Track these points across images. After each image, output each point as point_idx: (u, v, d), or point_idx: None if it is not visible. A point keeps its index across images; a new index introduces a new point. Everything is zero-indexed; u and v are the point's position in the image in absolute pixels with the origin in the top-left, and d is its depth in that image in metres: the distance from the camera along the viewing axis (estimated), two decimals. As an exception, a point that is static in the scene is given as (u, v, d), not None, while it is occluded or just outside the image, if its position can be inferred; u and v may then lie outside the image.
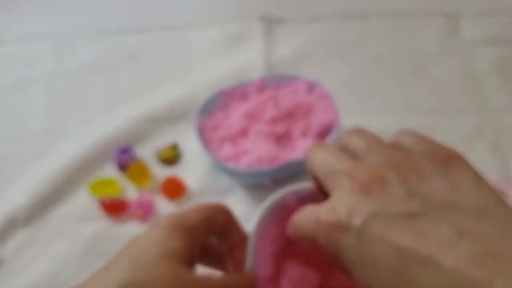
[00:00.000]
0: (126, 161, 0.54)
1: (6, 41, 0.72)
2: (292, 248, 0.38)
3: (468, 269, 0.19)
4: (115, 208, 0.51)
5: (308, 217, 0.26)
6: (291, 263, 0.37)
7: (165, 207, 0.51)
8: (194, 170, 0.54)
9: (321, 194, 0.29)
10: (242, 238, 0.33)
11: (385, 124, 0.57)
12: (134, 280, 0.24)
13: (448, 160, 0.24)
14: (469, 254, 0.20)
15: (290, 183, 0.50)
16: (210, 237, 0.31)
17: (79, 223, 0.51)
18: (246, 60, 0.65)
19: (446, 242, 0.20)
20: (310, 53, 0.66)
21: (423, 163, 0.24)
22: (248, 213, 0.50)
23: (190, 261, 0.28)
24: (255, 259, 0.36)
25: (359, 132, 0.27)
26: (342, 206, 0.23)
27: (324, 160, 0.26)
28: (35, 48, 0.70)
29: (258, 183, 0.51)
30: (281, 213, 0.40)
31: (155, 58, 0.67)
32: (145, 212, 0.51)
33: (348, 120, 0.55)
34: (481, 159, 0.53)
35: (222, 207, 0.32)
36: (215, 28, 0.70)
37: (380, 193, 0.23)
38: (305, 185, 0.40)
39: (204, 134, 0.52)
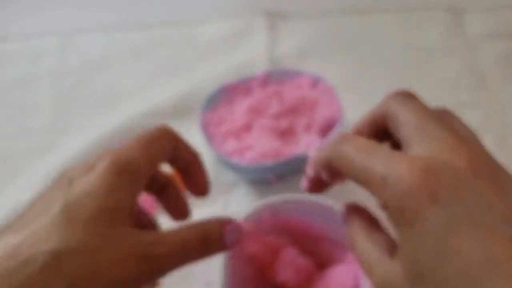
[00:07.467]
0: (130, 157, 0.54)
1: (11, 37, 0.73)
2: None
3: None
4: (119, 203, 0.51)
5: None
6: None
7: (169, 202, 0.52)
8: (198, 165, 0.54)
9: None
10: (192, 156, 0.30)
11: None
12: (68, 248, 0.22)
13: None
14: None
15: (294, 178, 0.51)
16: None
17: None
18: (250, 55, 0.65)
19: None
20: (314, 48, 0.66)
21: None
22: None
23: (131, 211, 0.25)
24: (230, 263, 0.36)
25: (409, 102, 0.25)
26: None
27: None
28: (40, 45, 0.71)
29: (262, 178, 0.51)
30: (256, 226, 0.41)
31: (160, 54, 0.68)
32: (148, 207, 0.51)
33: (352, 115, 0.54)
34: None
35: (166, 132, 0.28)
36: (219, 24, 0.70)
37: None
38: (281, 197, 0.40)
39: (208, 129, 0.52)
